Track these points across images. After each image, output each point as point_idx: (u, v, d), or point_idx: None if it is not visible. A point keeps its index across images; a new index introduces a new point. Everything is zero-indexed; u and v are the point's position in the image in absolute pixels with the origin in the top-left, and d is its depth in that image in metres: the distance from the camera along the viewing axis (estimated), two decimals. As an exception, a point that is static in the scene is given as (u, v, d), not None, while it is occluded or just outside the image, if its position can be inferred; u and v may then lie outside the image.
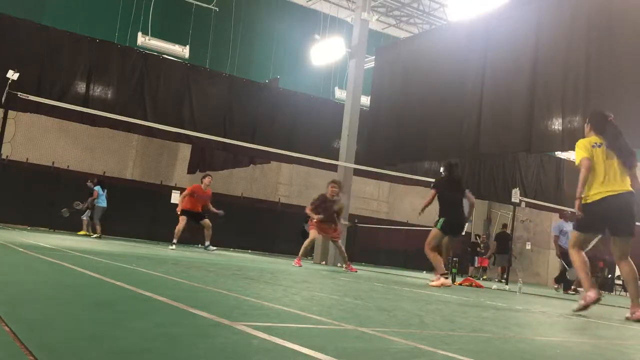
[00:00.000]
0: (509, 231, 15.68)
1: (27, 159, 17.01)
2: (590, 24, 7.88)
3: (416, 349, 2.01)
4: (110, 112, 10.92)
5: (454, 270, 10.70)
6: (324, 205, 9.56)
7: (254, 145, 12.34)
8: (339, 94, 17.58)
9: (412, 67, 11.30)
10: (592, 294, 4.74)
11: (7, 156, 14.56)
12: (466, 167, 15.75)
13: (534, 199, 15.98)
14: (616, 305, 7.74)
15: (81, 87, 12.07)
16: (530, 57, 8.71)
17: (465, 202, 8.21)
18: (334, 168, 13.42)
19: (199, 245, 14.07)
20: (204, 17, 16.84)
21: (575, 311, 4.86)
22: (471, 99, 9.69)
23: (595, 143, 4.80)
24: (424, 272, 15.72)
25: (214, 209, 11.40)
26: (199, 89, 13.36)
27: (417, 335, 2.42)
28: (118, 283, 3.26)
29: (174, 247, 10.87)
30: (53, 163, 17.49)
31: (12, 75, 8.39)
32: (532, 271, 23.30)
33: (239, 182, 20.30)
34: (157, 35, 15.21)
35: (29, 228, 15.45)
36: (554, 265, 18.74)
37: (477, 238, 19.47)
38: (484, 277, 17.65)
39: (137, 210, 17.70)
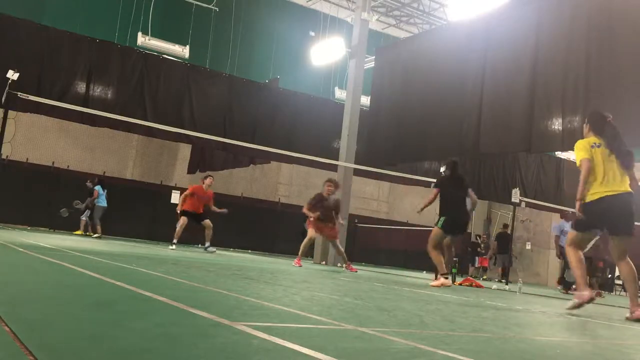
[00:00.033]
0: (509, 231, 15.70)
1: (27, 159, 17.02)
2: (590, 24, 7.88)
3: (416, 349, 2.01)
4: (110, 112, 10.92)
5: (454, 270, 10.69)
6: (320, 204, 9.58)
7: (254, 145, 12.34)
8: (339, 94, 17.58)
9: (412, 67, 11.29)
10: (586, 293, 4.77)
11: (7, 156, 14.56)
12: (466, 167, 15.74)
13: (534, 199, 15.99)
14: (616, 305, 7.74)
15: (81, 87, 12.07)
16: (530, 57, 8.70)
17: (468, 201, 8.19)
18: (334, 168, 13.42)
19: (199, 245, 14.07)
20: (204, 17, 16.84)
21: (568, 309, 4.89)
22: (471, 99, 9.69)
23: (595, 143, 4.82)
24: (424, 272, 15.72)
25: (217, 209, 11.41)
26: (199, 89, 13.36)
27: (417, 335, 2.42)
28: (118, 283, 3.26)
29: (173, 247, 10.88)
30: (53, 163, 17.50)
31: (12, 75, 8.39)
32: (532, 271, 23.30)
33: (239, 182, 20.31)
34: (157, 35, 15.22)
35: (29, 228, 15.45)
36: (554, 265, 18.75)
37: (478, 238, 19.49)
38: (484, 277, 17.65)
39: (137, 210, 17.71)
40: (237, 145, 12.41)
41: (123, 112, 11.65)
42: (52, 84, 11.68)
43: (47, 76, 11.61)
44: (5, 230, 11.84)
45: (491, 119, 9.33)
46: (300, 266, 9.25)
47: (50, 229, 15.93)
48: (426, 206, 8.10)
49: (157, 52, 14.42)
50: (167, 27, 16.67)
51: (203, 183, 11.48)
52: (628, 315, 4.78)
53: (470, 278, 12.32)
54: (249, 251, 18.29)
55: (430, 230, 7.98)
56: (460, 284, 9.78)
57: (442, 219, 7.74)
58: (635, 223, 4.79)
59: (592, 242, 10.63)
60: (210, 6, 16.64)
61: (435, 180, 10.64)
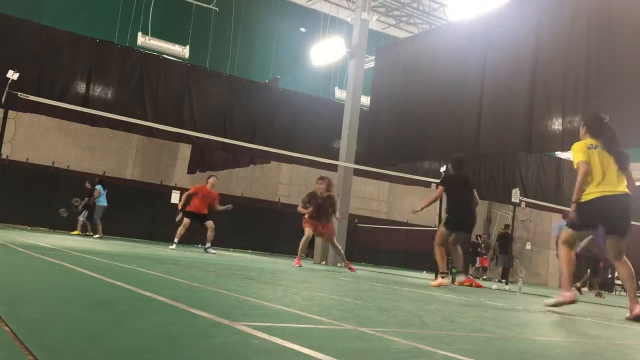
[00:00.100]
0: (510, 231, 15.72)
1: (27, 159, 17.02)
2: (590, 24, 7.87)
3: (416, 349, 2.01)
4: (110, 112, 10.92)
5: (454, 271, 10.69)
6: (314, 201, 9.64)
7: (254, 145, 12.34)
8: (339, 94, 17.58)
9: (412, 67, 11.29)
10: (569, 294, 4.83)
11: (7, 156, 14.56)
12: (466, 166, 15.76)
13: (534, 199, 15.99)
14: (616, 305, 7.74)
15: (81, 87, 12.07)
16: (530, 57, 8.70)
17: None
18: (334, 168, 13.42)
19: (199, 245, 14.07)
20: (204, 17, 16.85)
21: (547, 305, 4.94)
22: (471, 99, 9.69)
23: (591, 145, 4.85)
24: (424, 272, 15.72)
25: (221, 207, 11.42)
26: (199, 89, 13.36)
27: (417, 335, 2.42)
28: (118, 283, 3.26)
29: (174, 246, 10.91)
30: (53, 163, 17.50)
31: (12, 75, 8.38)
32: (532, 271, 23.29)
33: (239, 182, 20.31)
34: (157, 35, 15.22)
35: (29, 228, 15.45)
36: (554, 265, 18.75)
37: (478, 238, 19.48)
38: (484, 277, 17.65)
39: (137, 210, 17.71)
40: (237, 145, 12.41)
41: (123, 112, 11.64)
42: (52, 84, 11.68)
43: (47, 76, 11.61)
44: (5, 230, 11.84)
45: (491, 119, 9.32)
46: (300, 266, 9.25)
47: (50, 229, 15.93)
48: (427, 205, 8.06)
49: (157, 52, 14.42)
50: (167, 27, 16.68)
51: (207, 183, 11.50)
52: (628, 315, 4.78)
53: (470, 278, 12.31)
54: (249, 251, 18.29)
55: (430, 230, 7.98)
56: (460, 284, 9.78)
57: (446, 217, 7.73)
58: (636, 223, 4.81)
59: (585, 241, 10.64)
60: (210, 6, 16.64)
61: (437, 181, 10.64)
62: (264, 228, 19.88)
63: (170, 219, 11.70)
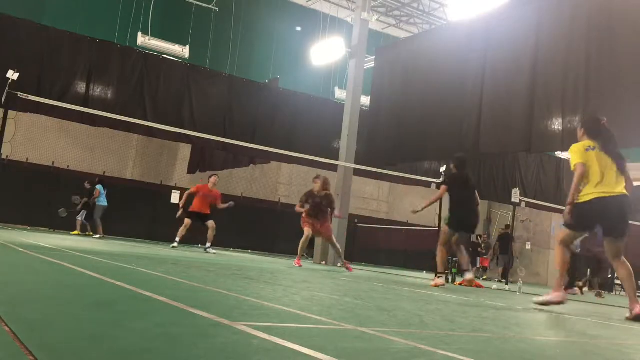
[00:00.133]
0: (511, 231, 15.72)
1: (27, 159, 17.02)
2: (590, 24, 7.88)
3: (416, 349, 2.01)
4: (110, 112, 10.92)
5: (454, 270, 10.69)
6: (311, 200, 9.67)
7: (254, 145, 12.34)
8: (339, 94, 17.58)
9: (412, 67, 11.29)
10: (560, 295, 4.87)
11: (7, 156, 14.56)
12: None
13: (534, 199, 15.99)
14: (616, 305, 7.74)
15: (81, 87, 12.07)
16: (530, 57, 8.70)
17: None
18: (334, 168, 13.42)
19: (199, 245, 14.07)
20: (204, 17, 16.85)
21: (536, 303, 4.99)
22: (471, 99, 9.69)
23: (589, 146, 4.87)
24: (424, 272, 15.72)
25: (223, 205, 11.45)
26: (199, 89, 13.37)
27: (417, 335, 2.42)
28: (118, 283, 3.26)
29: (175, 244, 10.99)
30: (53, 163, 17.50)
31: (12, 75, 8.39)
32: (532, 271, 23.29)
33: (239, 182, 20.31)
34: (157, 35, 15.23)
35: (29, 228, 15.45)
36: (554, 265, 18.72)
37: (478, 238, 19.49)
38: (484, 277, 17.65)
39: (137, 210, 17.71)
40: (237, 145, 12.41)
41: (123, 112, 11.64)
42: (52, 84, 11.68)
43: (47, 76, 11.61)
44: (5, 230, 11.84)
45: (491, 119, 9.33)
46: (300, 266, 9.25)
47: (50, 229, 15.93)
48: (428, 205, 8.04)
49: (157, 52, 14.42)
50: (167, 27, 16.69)
51: (209, 182, 11.53)
52: (628, 315, 4.79)
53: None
54: (249, 251, 18.29)
55: (430, 230, 7.99)
56: (460, 284, 9.78)
57: (448, 216, 7.70)
58: (635, 223, 4.84)
59: (578, 241, 10.64)
60: (210, 6, 16.64)
61: (437, 181, 10.61)
62: (264, 228, 19.88)
63: (170, 219, 11.71)
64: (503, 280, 14.68)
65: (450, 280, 10.25)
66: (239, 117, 13.72)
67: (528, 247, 20.60)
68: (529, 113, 8.61)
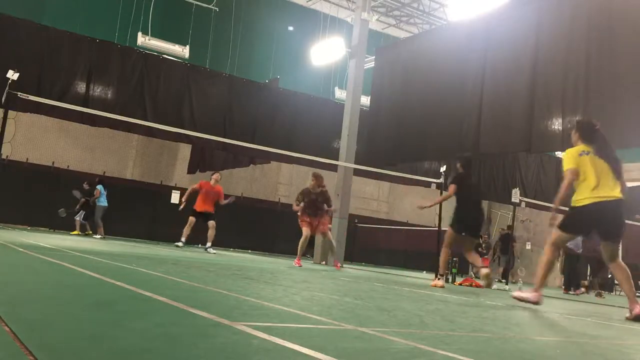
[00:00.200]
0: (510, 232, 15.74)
1: (27, 159, 17.02)
2: (590, 24, 7.87)
3: (416, 349, 2.01)
4: (110, 112, 10.90)
5: (454, 270, 10.70)
6: (308, 198, 9.68)
7: (254, 145, 12.33)
8: (339, 94, 17.59)
9: (412, 67, 11.29)
10: (537, 295, 4.91)
11: (7, 156, 14.57)
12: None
13: (534, 199, 15.97)
14: (616, 305, 7.74)
15: (81, 87, 12.06)
16: (530, 57, 8.70)
17: None
18: (334, 168, 13.42)
19: (199, 245, 14.07)
20: (204, 17, 16.85)
21: (513, 296, 5.13)
22: (471, 99, 9.68)
23: (583, 151, 4.90)
24: (424, 272, 15.71)
25: (225, 201, 11.52)
26: (199, 89, 13.36)
27: (417, 335, 2.42)
28: (118, 283, 3.26)
29: (180, 244, 11.09)
30: (53, 163, 17.50)
31: (12, 75, 8.37)
32: (532, 271, 23.24)
33: (239, 182, 20.31)
34: (157, 35, 15.23)
35: (29, 228, 15.46)
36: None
37: (479, 238, 19.50)
38: (484, 277, 17.63)
39: (137, 210, 17.71)
40: (237, 145, 12.40)
41: (123, 112, 11.63)
42: (52, 84, 11.67)
43: (47, 76, 11.61)
44: (5, 230, 11.84)
45: (491, 119, 9.32)
46: (300, 266, 9.25)
47: (50, 229, 15.93)
48: (437, 203, 7.97)
49: (157, 52, 14.42)
50: (167, 27, 16.69)
51: (211, 179, 11.64)
52: (628, 315, 4.79)
53: (470, 278, 12.32)
54: (249, 251, 18.29)
55: (430, 230, 7.97)
56: (460, 284, 9.79)
57: (453, 217, 7.54)
58: (635, 223, 4.86)
59: (580, 242, 10.62)
60: (210, 6, 16.64)
61: (437, 181, 10.58)
62: (264, 228, 19.88)
63: (170, 218, 11.74)
64: (503, 281, 14.68)
65: (450, 280, 10.25)
66: (239, 117, 13.72)
67: (528, 247, 20.60)
68: (529, 113, 8.61)
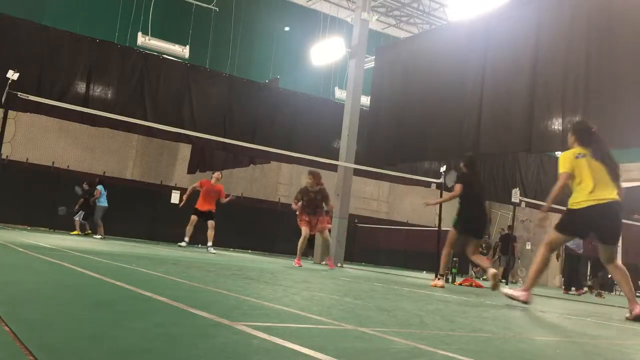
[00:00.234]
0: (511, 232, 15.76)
1: (27, 159, 17.02)
2: (590, 24, 7.87)
3: (416, 349, 2.01)
4: (110, 112, 10.90)
5: (454, 270, 10.69)
6: (307, 197, 9.69)
7: (254, 145, 12.33)
8: (339, 94, 17.58)
9: (412, 67, 11.29)
10: (526, 295, 4.92)
11: (7, 156, 14.56)
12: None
13: (534, 199, 15.95)
14: (616, 305, 7.74)
15: (81, 87, 12.06)
16: (530, 57, 8.70)
17: None
18: (334, 168, 13.41)
19: (199, 245, 14.07)
20: (204, 17, 16.85)
21: (503, 293, 5.16)
22: (471, 99, 9.68)
23: (579, 154, 4.90)
24: (424, 272, 15.72)
25: (225, 199, 11.57)
26: (199, 89, 13.36)
27: (417, 335, 2.42)
28: (118, 283, 3.26)
29: (184, 244, 11.17)
30: (53, 163, 17.50)
31: (12, 75, 8.37)
32: (532, 271, 23.27)
33: (239, 182, 20.31)
34: (157, 35, 15.22)
35: (29, 228, 15.46)
36: (554, 265, 18.72)
37: (482, 239, 19.48)
38: (484, 277, 17.65)
39: (137, 210, 17.71)
40: (237, 145, 12.40)
41: (123, 112, 11.63)
42: (52, 84, 11.67)
43: (47, 76, 11.61)
44: (5, 230, 11.84)
45: (491, 119, 9.32)
46: (300, 266, 9.25)
47: (50, 229, 15.93)
48: (441, 202, 7.91)
49: (157, 52, 14.42)
50: (167, 27, 16.68)
51: (212, 178, 11.70)
52: (628, 315, 4.80)
53: (470, 278, 12.33)
54: (249, 251, 18.29)
55: (430, 230, 7.96)
56: (460, 284, 9.79)
57: (455, 218, 7.45)
58: (635, 224, 4.86)
59: (580, 242, 10.60)
60: (210, 6, 16.64)
61: (437, 181, 10.56)
62: (264, 228, 19.88)
63: (170, 218, 11.75)
64: (503, 281, 14.66)
65: (450, 280, 10.25)
66: (239, 117, 13.72)
67: (528, 247, 20.60)
68: (529, 113, 8.61)
